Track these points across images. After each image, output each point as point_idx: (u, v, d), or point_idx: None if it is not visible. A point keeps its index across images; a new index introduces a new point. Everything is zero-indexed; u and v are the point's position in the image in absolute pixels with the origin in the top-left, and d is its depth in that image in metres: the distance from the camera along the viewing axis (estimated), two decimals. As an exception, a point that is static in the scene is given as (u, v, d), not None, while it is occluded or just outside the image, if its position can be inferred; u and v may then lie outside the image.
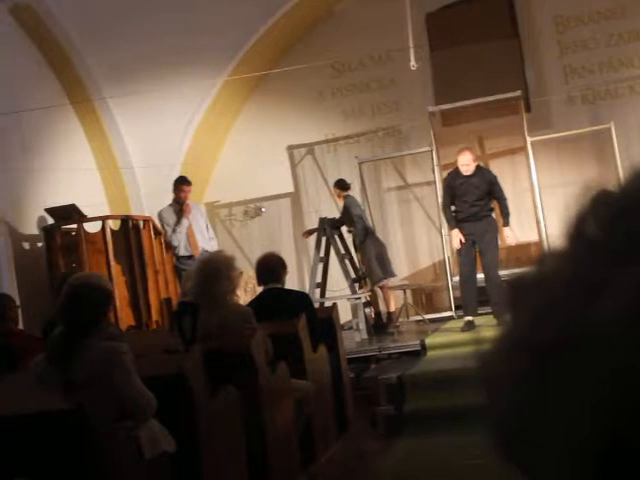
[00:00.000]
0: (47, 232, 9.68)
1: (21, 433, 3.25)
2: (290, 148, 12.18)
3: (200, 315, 4.93)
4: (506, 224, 8.95)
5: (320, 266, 10.21)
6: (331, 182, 11.66)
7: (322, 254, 10.28)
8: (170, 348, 4.80)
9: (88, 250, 9.39)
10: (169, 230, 9.86)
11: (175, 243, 9.84)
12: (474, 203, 8.82)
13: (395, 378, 7.24)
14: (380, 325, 9.89)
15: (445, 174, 10.69)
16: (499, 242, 9.00)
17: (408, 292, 10.76)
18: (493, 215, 8.91)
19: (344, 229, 10.29)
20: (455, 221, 8.92)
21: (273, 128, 11.95)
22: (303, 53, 11.52)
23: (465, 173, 8.92)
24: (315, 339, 6.00)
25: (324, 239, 10.29)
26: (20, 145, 9.92)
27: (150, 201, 11.54)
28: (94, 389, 3.41)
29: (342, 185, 10.26)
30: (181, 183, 10.12)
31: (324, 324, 6.40)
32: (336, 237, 10.24)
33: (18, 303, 7.02)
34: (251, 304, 5.96)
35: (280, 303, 6.02)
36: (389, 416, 6.97)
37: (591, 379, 0.49)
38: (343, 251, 10.22)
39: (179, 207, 10.00)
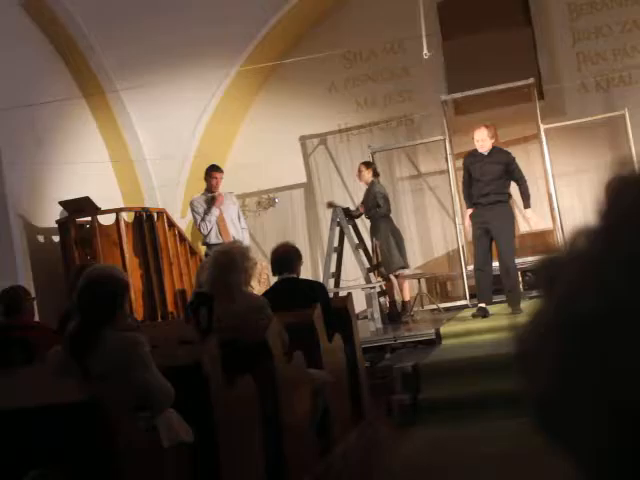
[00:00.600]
0: (62, 225, 9.72)
1: (39, 425, 3.27)
2: (303, 138, 12.18)
3: (216, 306, 4.93)
4: (527, 206, 8.78)
5: (334, 256, 10.21)
6: (344, 172, 11.66)
7: (336, 244, 10.28)
8: (186, 339, 4.80)
9: (103, 242, 9.42)
10: (198, 218, 9.74)
11: (204, 232, 9.71)
12: (489, 184, 8.68)
13: (410, 367, 7.24)
14: (395, 314, 9.89)
15: (458, 163, 10.69)
16: (515, 230, 8.92)
17: (422, 281, 10.76)
18: (510, 202, 8.77)
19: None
20: (470, 202, 8.87)
21: (285, 119, 11.94)
22: (315, 43, 11.50)
23: (480, 150, 8.82)
24: (330, 329, 6.01)
25: (338, 229, 10.29)
26: (34, 139, 9.96)
27: (164, 193, 11.58)
28: (112, 380, 3.42)
29: (375, 169, 10.25)
30: (212, 170, 9.98)
31: (339, 314, 6.41)
32: (350, 227, 10.24)
33: (33, 295, 7.04)
34: (266, 294, 5.96)
35: (295, 293, 6.03)
36: (404, 405, 6.97)
37: (628, 350, 0.50)
38: (357, 241, 10.22)
39: (210, 195, 9.90)
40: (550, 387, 0.55)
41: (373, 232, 10.15)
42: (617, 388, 0.51)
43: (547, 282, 0.60)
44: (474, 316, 8.76)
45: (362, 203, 10.24)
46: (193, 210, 9.82)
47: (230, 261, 5.07)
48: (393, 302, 10.05)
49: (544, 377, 0.56)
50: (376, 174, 10.26)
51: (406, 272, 10.13)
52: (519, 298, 8.70)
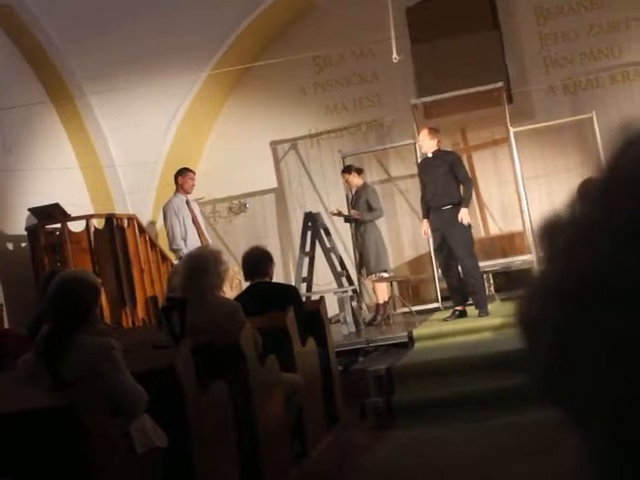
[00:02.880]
0: (31, 232, 9.63)
1: (10, 432, 3.23)
2: (273, 143, 12.17)
3: (188, 310, 4.90)
4: (464, 206, 8.64)
5: (306, 260, 10.22)
6: (315, 177, 11.68)
7: (308, 249, 10.29)
8: (159, 344, 4.77)
9: (73, 249, 9.34)
10: (177, 224, 9.63)
11: (180, 236, 9.58)
12: (436, 186, 8.73)
13: (384, 370, 7.25)
14: (372, 317, 9.93)
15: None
16: (471, 231, 8.81)
17: (394, 284, 10.78)
18: (459, 206, 8.67)
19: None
20: (426, 210, 8.91)
21: (256, 124, 11.92)
22: (285, 48, 11.50)
23: (422, 151, 8.96)
24: (304, 332, 6.00)
25: (309, 233, 10.29)
26: (2, 145, 9.86)
27: (134, 199, 11.51)
28: (85, 385, 3.39)
29: (357, 169, 10.31)
30: (189, 171, 9.93)
31: (312, 318, 6.40)
32: (322, 230, 10.25)
33: (2, 302, 6.98)
34: (238, 299, 5.94)
35: (268, 297, 6.01)
36: (378, 408, 6.98)
37: (624, 317, 0.50)
38: (329, 245, 10.23)
39: (186, 198, 9.82)
40: (554, 352, 0.55)
41: (361, 235, 10.13)
42: (621, 351, 0.51)
43: (548, 246, 0.60)
44: (446, 320, 8.77)
45: (353, 207, 10.24)
46: (169, 215, 9.71)
47: (202, 265, 5.04)
48: (379, 304, 10.04)
49: (548, 343, 0.55)
50: (360, 172, 10.33)
51: (383, 275, 10.15)
52: (484, 300, 8.74)
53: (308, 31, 11.68)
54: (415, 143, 10.62)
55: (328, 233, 10.47)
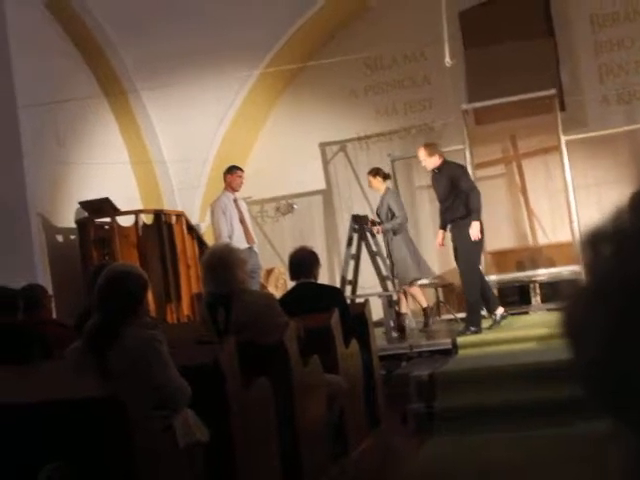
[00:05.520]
0: (81, 225, 9.75)
1: (57, 420, 3.27)
2: (322, 145, 12.18)
3: (232, 306, 4.93)
4: (473, 218, 8.40)
5: (351, 263, 10.19)
6: (363, 180, 11.65)
7: (354, 251, 10.26)
8: (203, 339, 4.81)
9: (121, 244, 9.45)
10: (224, 222, 9.67)
11: (227, 234, 9.60)
12: (443, 201, 8.68)
13: (426, 376, 7.22)
14: (401, 327, 9.79)
15: (478, 173, 10.67)
16: (477, 246, 8.56)
17: (440, 290, 10.73)
18: (466, 220, 8.49)
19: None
20: (442, 222, 8.85)
21: (305, 125, 11.95)
22: (337, 49, 11.52)
23: (427, 169, 8.87)
24: (347, 334, 5.99)
25: (356, 236, 10.27)
26: (55, 138, 10.00)
27: (183, 196, 11.60)
28: (130, 377, 3.42)
29: (384, 174, 10.21)
30: (238, 169, 9.94)
31: (356, 320, 6.39)
32: (368, 234, 10.21)
33: (51, 293, 7.07)
34: (283, 298, 5.96)
35: (312, 298, 6.01)
36: (419, 413, 6.95)
37: None
38: (375, 248, 10.19)
39: (233, 196, 9.84)
40: (601, 352, 0.55)
41: (388, 243, 10.09)
42: None
43: (593, 253, 0.59)
44: (459, 334, 8.64)
45: (371, 221, 10.13)
46: (220, 212, 9.70)
47: (230, 261, 5.04)
48: (400, 314, 9.95)
49: (595, 343, 0.55)
50: (386, 177, 10.25)
51: (424, 281, 10.08)
52: (476, 319, 8.56)
53: (360, 33, 11.68)
54: (465, 149, 10.57)
55: (374, 236, 10.44)
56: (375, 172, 10.28)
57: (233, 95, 11.57)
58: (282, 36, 11.26)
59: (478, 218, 8.42)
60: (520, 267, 10.90)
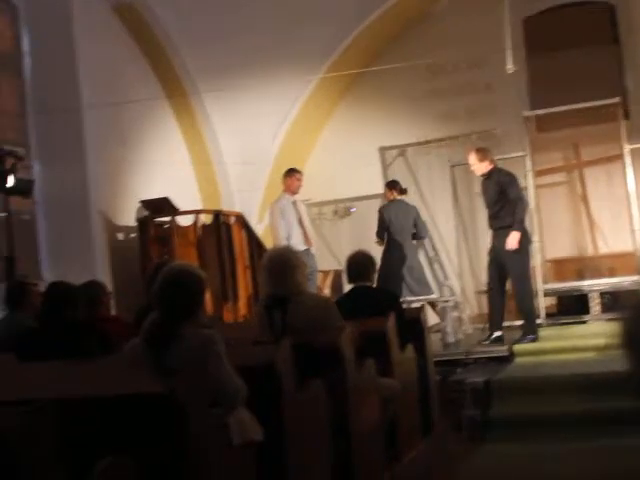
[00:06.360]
0: (142, 224, 9.89)
1: (114, 414, 3.33)
2: (382, 149, 12.18)
3: (289, 308, 4.96)
4: (514, 228, 8.33)
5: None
6: (423, 185, 11.62)
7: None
8: (260, 340, 4.84)
9: (180, 243, 9.56)
10: (282, 224, 9.72)
11: (284, 235, 9.66)
12: (491, 208, 8.58)
13: (482, 383, 7.17)
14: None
15: (538, 180, 10.56)
16: (526, 254, 8.49)
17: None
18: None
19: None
20: (491, 227, 8.76)
21: (365, 128, 11.96)
22: (398, 54, 11.50)
23: (477, 174, 8.77)
24: (403, 339, 5.98)
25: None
26: (119, 138, 10.15)
27: (242, 197, 11.69)
28: (187, 375, 3.46)
29: (401, 189, 10.26)
30: (296, 172, 9.98)
31: (412, 325, 6.37)
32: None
33: (111, 290, 7.18)
34: (340, 301, 5.97)
35: (369, 301, 6.01)
36: (474, 420, 6.91)
37: None
38: (432, 254, 10.17)
39: (292, 198, 9.89)
40: None
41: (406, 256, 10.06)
42: None
43: None
44: (481, 343, 8.57)
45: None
46: (278, 214, 9.72)
47: (291, 263, 5.07)
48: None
49: None
50: (402, 192, 10.25)
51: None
52: (533, 328, 8.49)
53: (422, 38, 11.66)
54: (525, 156, 10.47)
55: (432, 241, 10.42)
56: (392, 185, 10.32)
57: (294, 98, 11.63)
58: (345, 40, 11.28)
59: (520, 229, 8.34)
60: (580, 276, 10.75)
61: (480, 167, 8.60)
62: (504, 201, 8.44)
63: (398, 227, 10.10)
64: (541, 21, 11.65)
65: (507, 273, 8.42)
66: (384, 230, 10.07)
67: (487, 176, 8.61)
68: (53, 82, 9.61)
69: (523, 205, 8.45)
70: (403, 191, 10.38)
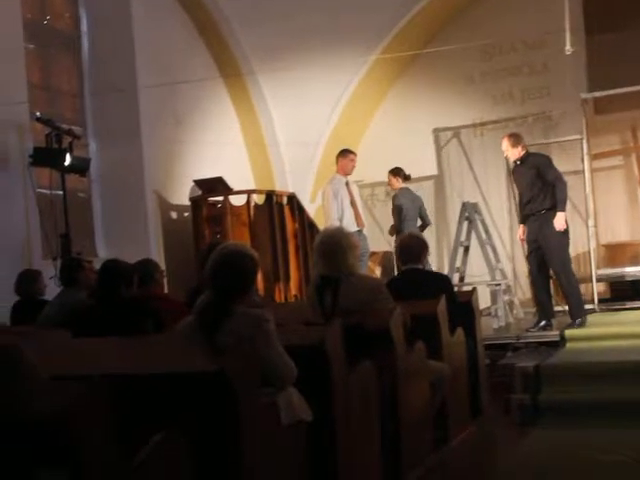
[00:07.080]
0: (195, 203, 9.97)
1: (165, 391, 3.38)
2: (436, 131, 12.11)
3: (340, 289, 4.98)
4: (559, 209, 8.15)
5: (460, 250, 10.14)
6: (477, 167, 11.53)
7: (463, 238, 10.21)
8: (310, 320, 4.87)
9: (232, 222, 9.62)
10: (334, 204, 9.72)
11: (337, 215, 9.61)
12: (527, 192, 8.39)
13: (532, 367, 7.12)
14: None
15: (595, 164, 10.41)
16: (567, 238, 8.30)
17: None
18: (552, 211, 8.22)
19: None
20: (522, 216, 8.59)
21: (420, 110, 11.89)
22: (454, 35, 11.40)
23: (510, 160, 8.67)
24: (453, 322, 5.98)
25: (466, 223, 10.21)
26: (173, 118, 10.23)
27: (295, 177, 11.71)
28: (238, 354, 3.50)
29: (405, 175, 10.21)
30: (351, 152, 9.96)
31: (463, 308, 6.37)
32: (479, 222, 10.14)
33: (164, 269, 7.26)
34: (391, 283, 5.97)
35: (420, 284, 6.02)
36: (524, 405, 6.87)
37: None
38: (484, 237, 10.11)
39: (345, 179, 9.87)
40: None
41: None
42: None
43: None
44: (529, 330, 8.46)
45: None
46: (331, 195, 9.69)
47: (343, 244, 5.08)
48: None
49: None
50: (406, 179, 10.20)
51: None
52: (580, 310, 8.32)
53: (479, 19, 11.54)
54: (582, 139, 10.32)
55: (485, 224, 10.35)
56: (396, 172, 10.25)
57: (348, 78, 11.60)
58: (400, 21, 11.21)
59: (564, 209, 8.20)
60: (635, 261, 10.60)
61: (513, 152, 8.49)
62: (541, 183, 8.30)
63: (412, 214, 10.09)
64: (601, 0, 11.44)
65: (547, 259, 8.29)
66: (402, 220, 10.02)
67: (521, 161, 8.49)
68: (110, 62, 9.71)
69: (564, 185, 8.29)
70: (407, 177, 10.33)
